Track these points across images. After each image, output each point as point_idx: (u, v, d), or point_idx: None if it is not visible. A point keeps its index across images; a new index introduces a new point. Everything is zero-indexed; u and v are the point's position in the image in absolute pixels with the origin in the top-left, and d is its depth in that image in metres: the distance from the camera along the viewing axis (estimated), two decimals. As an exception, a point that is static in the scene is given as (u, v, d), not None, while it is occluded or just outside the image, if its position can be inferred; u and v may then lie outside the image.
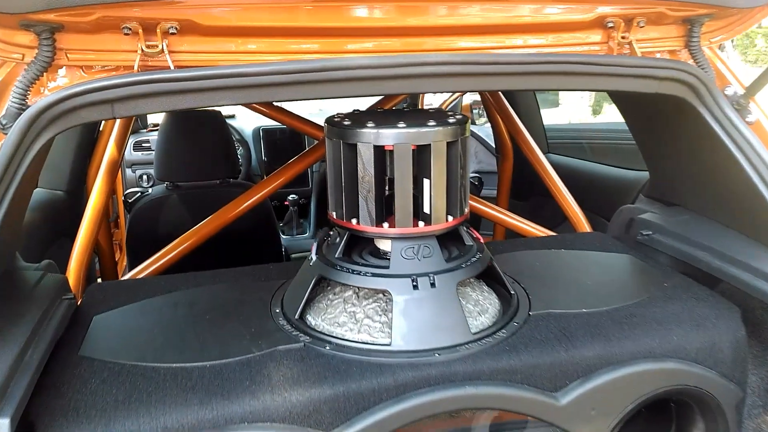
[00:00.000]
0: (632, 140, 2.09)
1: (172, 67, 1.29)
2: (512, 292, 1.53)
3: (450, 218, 1.42)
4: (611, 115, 6.06)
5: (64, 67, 1.30)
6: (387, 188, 1.42)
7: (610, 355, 1.37)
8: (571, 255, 1.85)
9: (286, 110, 2.53)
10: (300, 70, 1.27)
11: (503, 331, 1.41)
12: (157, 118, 4.50)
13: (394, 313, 1.34)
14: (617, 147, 3.57)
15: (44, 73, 1.25)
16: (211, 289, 1.66)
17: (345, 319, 1.43)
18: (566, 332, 1.41)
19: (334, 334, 1.40)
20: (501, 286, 1.54)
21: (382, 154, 1.36)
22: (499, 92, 2.85)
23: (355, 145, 1.36)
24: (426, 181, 1.37)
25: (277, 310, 1.51)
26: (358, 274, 1.39)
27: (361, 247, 1.54)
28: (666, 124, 1.83)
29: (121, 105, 1.23)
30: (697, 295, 1.57)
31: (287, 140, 4.57)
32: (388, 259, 1.43)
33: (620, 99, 2.03)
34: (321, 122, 1.61)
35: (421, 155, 1.35)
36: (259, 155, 4.59)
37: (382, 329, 1.39)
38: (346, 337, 1.39)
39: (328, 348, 1.34)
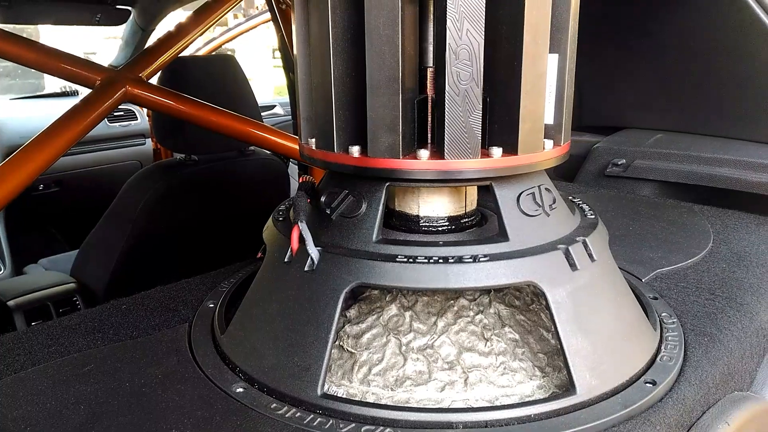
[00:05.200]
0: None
1: None
2: None
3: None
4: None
5: None
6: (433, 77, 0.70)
7: None
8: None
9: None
10: None
11: (665, 313, 0.83)
12: None
13: (560, 324, 0.64)
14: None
15: None
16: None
17: (416, 368, 0.67)
18: (713, 293, 0.90)
19: (411, 404, 0.64)
20: None
21: None
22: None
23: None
24: (553, 58, 0.69)
25: (240, 390, 0.66)
26: (454, 261, 0.64)
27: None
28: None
29: None
30: (757, 220, 1.21)
31: None
32: (437, 228, 0.73)
33: None
34: None
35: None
36: None
37: (508, 367, 0.68)
38: (444, 404, 0.64)
39: None
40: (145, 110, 3.38)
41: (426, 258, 0.64)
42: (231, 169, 2.07)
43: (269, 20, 3.65)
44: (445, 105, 0.63)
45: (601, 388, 0.64)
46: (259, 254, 0.91)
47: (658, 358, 0.72)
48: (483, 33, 0.61)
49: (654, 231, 1.15)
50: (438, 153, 0.66)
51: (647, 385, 0.67)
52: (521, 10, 0.62)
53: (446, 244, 0.67)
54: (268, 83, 8.89)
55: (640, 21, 1.45)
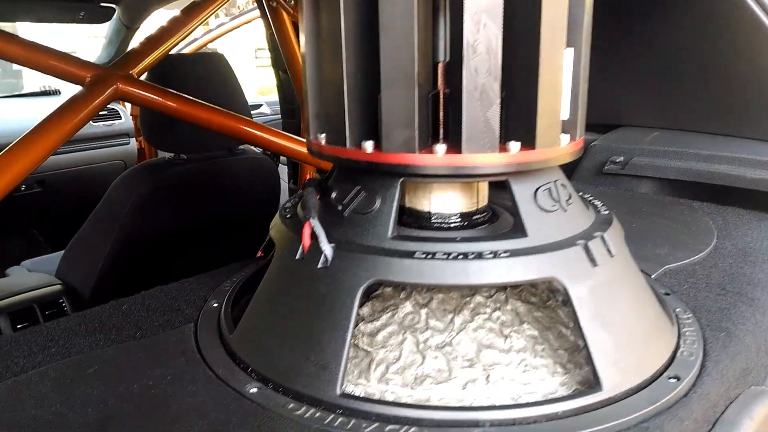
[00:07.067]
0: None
1: None
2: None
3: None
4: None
5: None
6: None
7: None
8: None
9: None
10: None
11: (679, 308, 0.82)
12: None
13: (583, 321, 0.63)
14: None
15: None
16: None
17: (436, 366, 0.66)
18: (724, 289, 0.90)
19: (432, 402, 0.62)
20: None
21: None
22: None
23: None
24: (569, 52, 0.68)
25: (254, 390, 0.64)
26: (474, 257, 0.63)
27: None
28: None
29: None
30: (758, 216, 1.22)
31: None
32: (449, 224, 0.72)
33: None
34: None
35: None
36: None
37: (529, 364, 0.67)
38: (466, 402, 0.63)
39: None
40: (129, 109, 3.32)
41: (445, 254, 0.63)
42: (220, 168, 2.04)
43: (251, 20, 3.62)
44: (462, 100, 0.61)
45: (626, 385, 0.63)
46: (260, 253, 0.89)
47: (678, 354, 0.71)
48: (501, 26, 0.60)
49: (656, 228, 1.15)
50: (453, 148, 0.64)
51: (671, 380, 0.66)
52: (539, 6, 0.60)
53: (464, 240, 0.66)
54: (251, 84, 8.83)
55: (638, 19, 1.45)
